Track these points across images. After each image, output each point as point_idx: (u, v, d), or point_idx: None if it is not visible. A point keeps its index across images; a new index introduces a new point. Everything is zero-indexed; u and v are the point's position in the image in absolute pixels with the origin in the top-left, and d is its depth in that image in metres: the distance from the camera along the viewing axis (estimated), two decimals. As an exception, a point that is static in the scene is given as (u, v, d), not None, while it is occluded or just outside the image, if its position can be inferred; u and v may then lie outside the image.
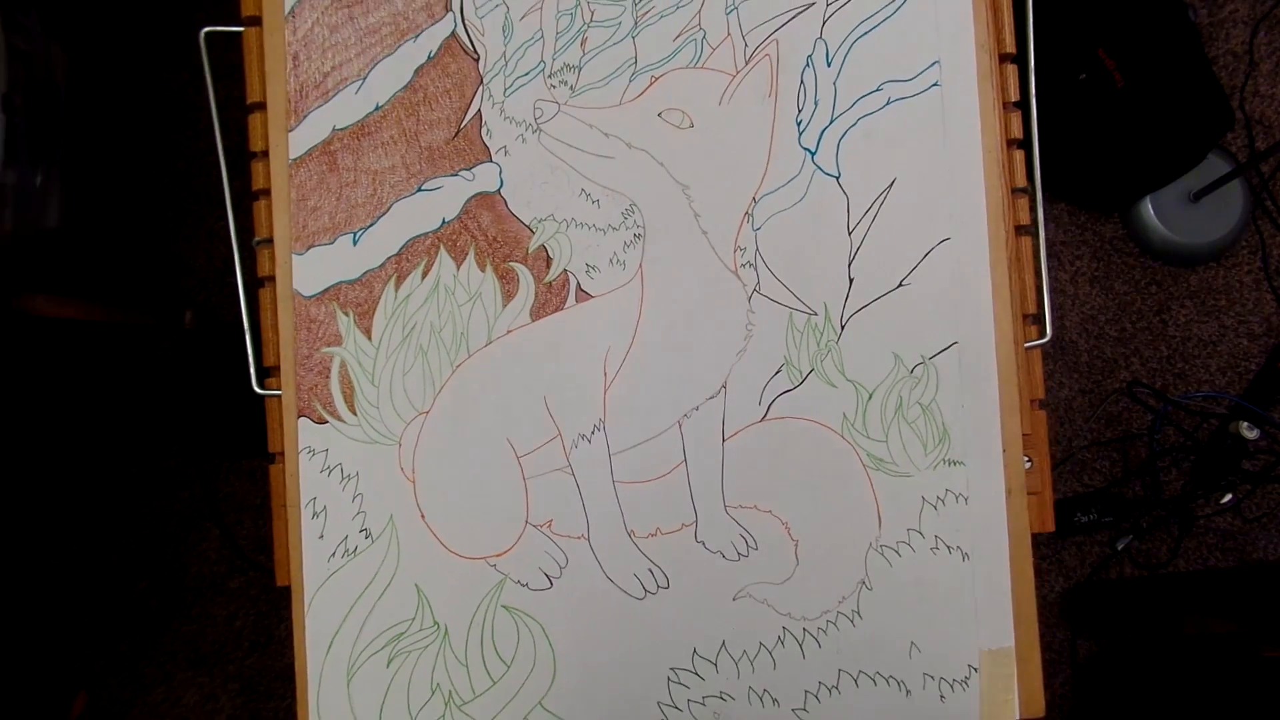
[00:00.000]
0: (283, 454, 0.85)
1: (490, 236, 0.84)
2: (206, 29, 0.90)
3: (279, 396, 0.85)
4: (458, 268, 0.84)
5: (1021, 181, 0.87)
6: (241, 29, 0.87)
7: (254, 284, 0.87)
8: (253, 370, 0.87)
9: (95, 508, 1.87)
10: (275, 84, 0.85)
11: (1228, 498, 1.98)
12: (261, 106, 0.86)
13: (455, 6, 0.85)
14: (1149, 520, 1.98)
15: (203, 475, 1.87)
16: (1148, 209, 2.00)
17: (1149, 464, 2.01)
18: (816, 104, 0.85)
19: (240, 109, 0.87)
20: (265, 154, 0.86)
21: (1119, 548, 1.95)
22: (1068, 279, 2.02)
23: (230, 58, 0.86)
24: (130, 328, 1.83)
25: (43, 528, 1.85)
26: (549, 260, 0.85)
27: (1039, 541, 1.99)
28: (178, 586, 1.87)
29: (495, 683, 0.83)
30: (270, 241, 0.86)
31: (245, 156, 0.87)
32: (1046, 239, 0.88)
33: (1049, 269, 1.97)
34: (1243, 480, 1.97)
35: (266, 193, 0.86)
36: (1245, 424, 1.93)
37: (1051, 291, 1.98)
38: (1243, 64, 2.07)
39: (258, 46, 0.86)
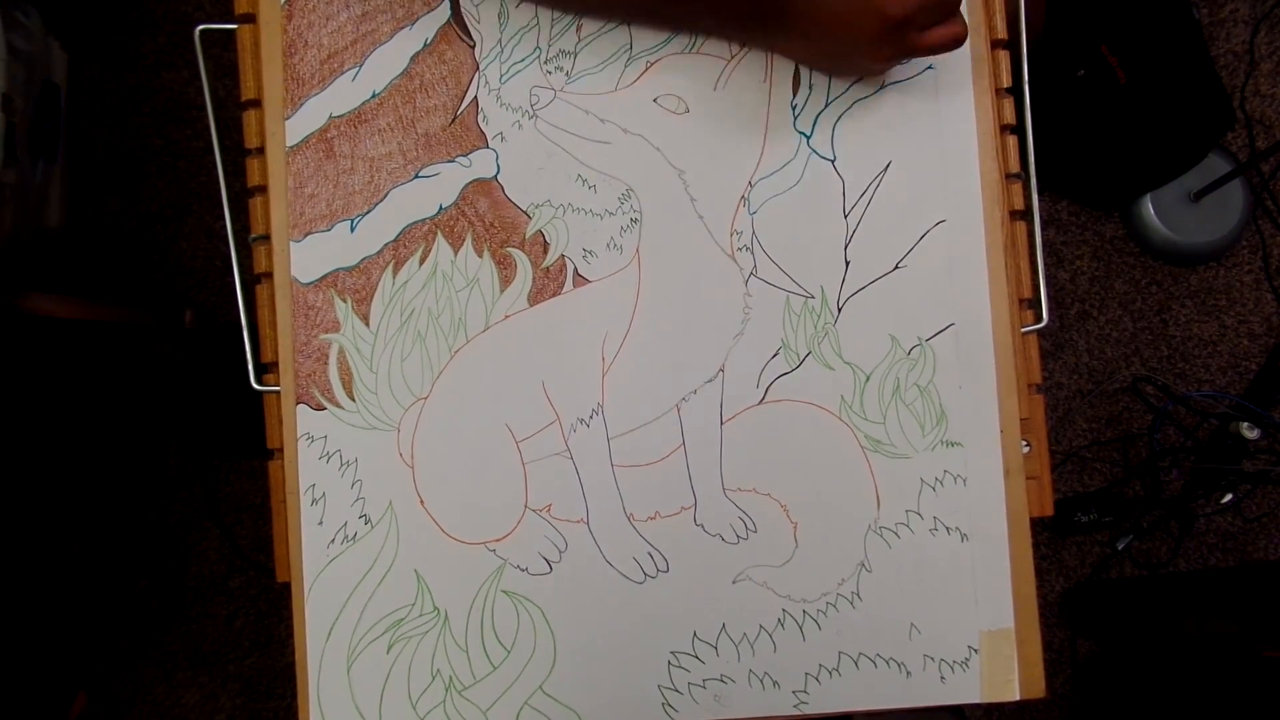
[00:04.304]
0: (281, 450, 0.85)
1: (487, 222, 0.85)
2: (201, 27, 0.90)
3: (277, 393, 0.85)
4: (455, 254, 0.85)
5: (1016, 167, 0.87)
6: (235, 26, 0.88)
7: (252, 281, 0.87)
8: (250, 366, 0.87)
9: (95, 508, 1.87)
10: (272, 74, 0.86)
11: (1228, 498, 1.98)
12: (256, 104, 0.86)
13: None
14: (1149, 520, 1.98)
15: (203, 475, 1.87)
16: (1148, 208, 2.00)
17: (1149, 464, 2.00)
18: (811, 88, 0.85)
19: (240, 106, 0.87)
20: (261, 150, 0.86)
21: (1119, 548, 1.95)
22: (1068, 278, 2.02)
23: (230, 56, 0.87)
24: (130, 328, 1.83)
25: (43, 528, 1.85)
26: (546, 245, 0.85)
27: (1039, 540, 1.99)
28: (178, 586, 1.87)
29: (496, 668, 0.83)
30: (267, 238, 0.86)
31: (243, 154, 0.88)
32: (1047, 239, 0.89)
33: (1046, 264, 1.97)
34: (1243, 480, 1.97)
35: (263, 189, 0.86)
36: (1245, 424, 1.93)
37: (1049, 282, 1.98)
38: (1243, 64, 2.08)
39: (252, 44, 0.86)
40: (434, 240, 0.85)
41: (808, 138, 0.85)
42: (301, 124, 0.85)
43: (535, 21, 0.85)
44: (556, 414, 0.84)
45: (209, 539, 1.88)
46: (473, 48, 0.85)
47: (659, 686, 0.84)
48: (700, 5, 0.81)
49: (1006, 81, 0.87)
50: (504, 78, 0.85)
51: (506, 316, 0.84)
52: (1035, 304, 0.88)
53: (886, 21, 0.74)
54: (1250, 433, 1.93)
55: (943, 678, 0.84)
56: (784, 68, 0.85)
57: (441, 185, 0.85)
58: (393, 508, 0.84)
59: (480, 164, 0.85)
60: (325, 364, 0.84)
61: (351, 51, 0.85)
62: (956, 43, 0.78)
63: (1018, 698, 0.84)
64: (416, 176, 0.85)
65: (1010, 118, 0.87)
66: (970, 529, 0.84)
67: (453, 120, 0.85)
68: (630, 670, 0.84)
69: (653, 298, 0.85)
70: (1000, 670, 0.84)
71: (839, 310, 0.85)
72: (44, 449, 1.86)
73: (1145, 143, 1.90)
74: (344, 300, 0.84)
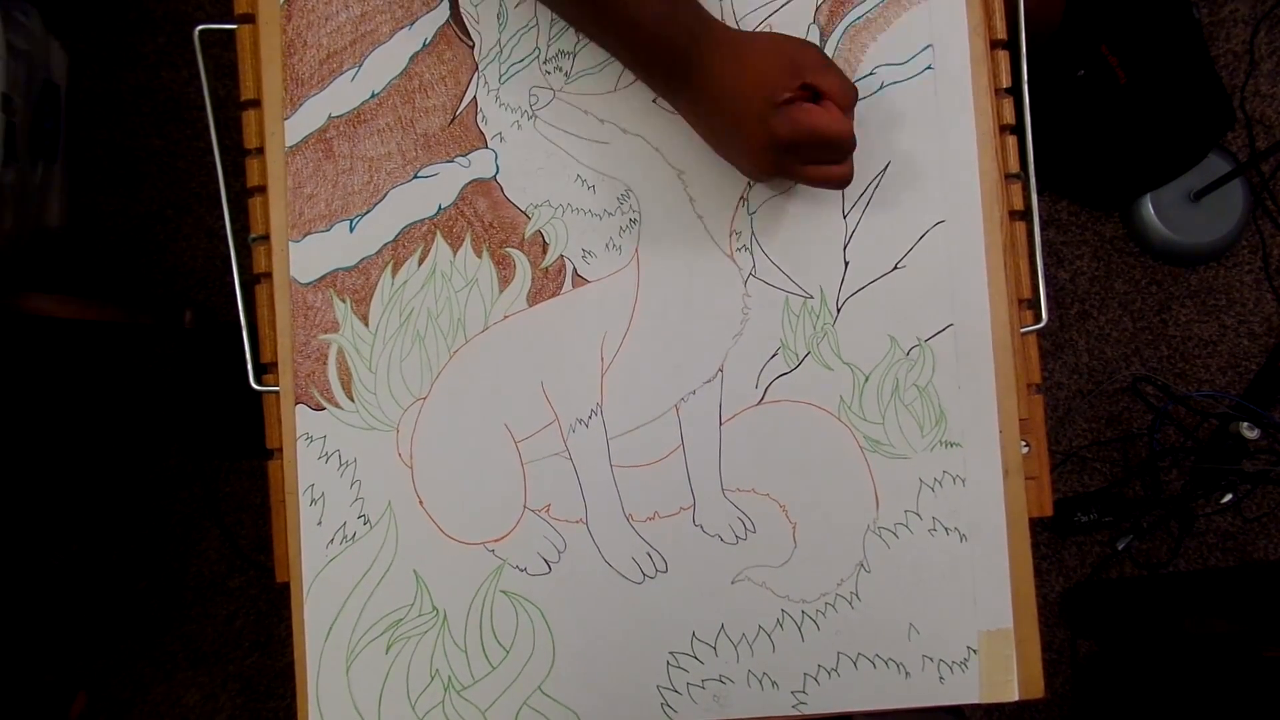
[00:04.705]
0: (280, 450, 0.85)
1: (486, 222, 0.85)
2: (200, 27, 0.90)
3: (276, 393, 0.85)
4: (454, 254, 0.85)
5: (1015, 167, 0.87)
6: (235, 26, 0.88)
7: (251, 281, 0.87)
8: (250, 366, 0.86)
9: (95, 508, 1.87)
10: (271, 74, 0.86)
11: (1228, 498, 1.97)
12: (255, 104, 0.86)
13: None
14: (1149, 520, 1.98)
15: (203, 475, 1.86)
16: (1148, 208, 2.00)
17: (1149, 464, 2.00)
18: (811, 88, 0.85)
19: (240, 106, 0.87)
20: (260, 150, 0.86)
21: (1119, 548, 1.95)
22: (1068, 278, 2.02)
23: (230, 56, 0.87)
24: (130, 328, 1.83)
25: (43, 528, 1.85)
26: (545, 246, 0.85)
27: (1039, 540, 1.98)
28: (178, 586, 1.87)
29: (494, 668, 0.83)
30: (266, 238, 0.86)
31: (243, 154, 0.88)
32: (1047, 239, 0.89)
33: (1046, 264, 1.97)
34: (1243, 480, 1.97)
35: (262, 189, 0.86)
36: (1245, 424, 1.93)
37: (1049, 282, 1.98)
38: (1243, 64, 2.08)
39: (251, 44, 0.86)
40: (433, 240, 0.85)
41: (807, 138, 0.85)
42: (301, 124, 0.85)
43: (534, 22, 0.85)
44: (555, 414, 0.84)
45: (209, 539, 1.88)
46: (472, 48, 0.86)
47: (658, 687, 0.84)
48: (614, 38, 0.80)
49: (1006, 81, 0.87)
50: (503, 78, 0.85)
51: (505, 317, 0.84)
52: (1034, 304, 0.88)
53: (772, 139, 0.74)
54: (1250, 433, 1.93)
55: (941, 678, 0.84)
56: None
57: (440, 185, 0.85)
58: (392, 508, 0.84)
59: (479, 164, 0.85)
60: (324, 364, 0.84)
61: (351, 52, 0.85)
62: (839, 185, 0.79)
63: (1016, 698, 0.84)
64: (415, 177, 0.85)
65: (1010, 118, 0.87)
66: (969, 529, 0.84)
67: (452, 120, 0.85)
68: (629, 670, 0.84)
69: (652, 298, 0.85)
70: (999, 670, 0.84)
71: (838, 310, 0.85)
72: (44, 449, 1.86)
73: (1145, 143, 1.90)
74: (343, 300, 0.84)
